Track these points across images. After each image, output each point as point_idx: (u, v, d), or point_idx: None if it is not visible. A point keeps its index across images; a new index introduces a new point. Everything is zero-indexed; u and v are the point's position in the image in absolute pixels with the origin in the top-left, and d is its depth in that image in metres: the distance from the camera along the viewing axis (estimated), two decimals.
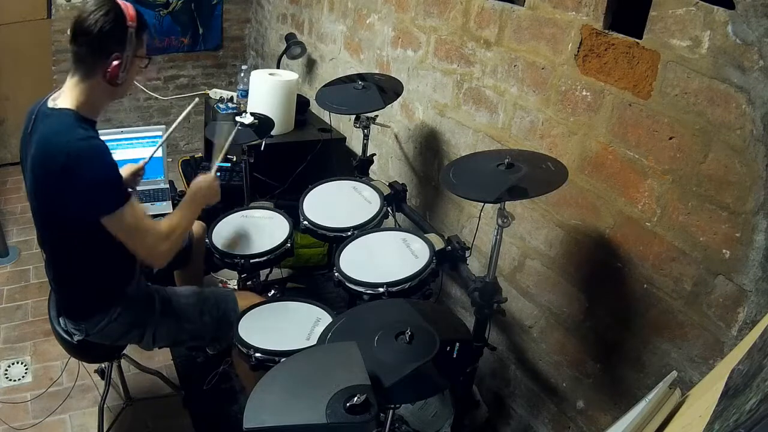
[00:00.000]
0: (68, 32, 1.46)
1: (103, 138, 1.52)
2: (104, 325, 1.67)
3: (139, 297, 1.74)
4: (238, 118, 2.26)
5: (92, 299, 1.67)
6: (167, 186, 2.75)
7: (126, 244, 1.54)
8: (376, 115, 2.31)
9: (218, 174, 1.90)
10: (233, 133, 2.10)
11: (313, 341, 1.62)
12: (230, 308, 1.82)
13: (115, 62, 1.45)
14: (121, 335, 1.72)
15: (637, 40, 1.51)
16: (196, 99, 2.21)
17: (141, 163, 1.95)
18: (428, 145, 2.47)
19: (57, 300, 1.77)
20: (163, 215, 2.18)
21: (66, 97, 1.49)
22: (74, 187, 1.42)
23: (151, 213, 2.41)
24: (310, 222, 2.01)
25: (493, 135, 2.07)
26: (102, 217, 1.46)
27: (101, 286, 1.66)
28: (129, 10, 1.47)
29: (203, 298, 1.83)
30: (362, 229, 1.96)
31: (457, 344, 1.36)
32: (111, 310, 1.67)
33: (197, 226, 2.14)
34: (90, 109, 1.51)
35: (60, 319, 1.74)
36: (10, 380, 2.31)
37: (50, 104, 1.50)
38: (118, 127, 3.22)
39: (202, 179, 1.80)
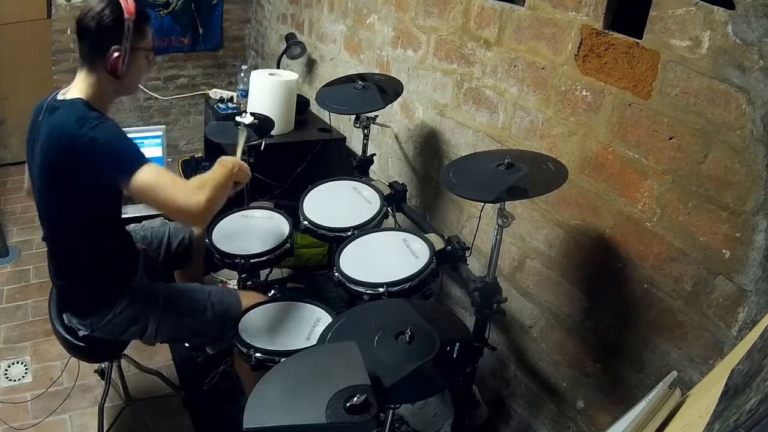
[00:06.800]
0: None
1: None
2: (110, 318, 1.69)
3: (143, 290, 1.75)
4: (238, 118, 2.25)
5: (98, 293, 1.69)
6: None
7: (158, 207, 1.55)
8: (376, 115, 2.31)
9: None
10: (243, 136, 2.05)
11: (313, 341, 1.62)
12: (233, 306, 1.82)
13: (115, 54, 1.51)
14: (125, 329, 1.74)
15: (637, 40, 1.51)
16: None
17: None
18: (428, 145, 2.47)
19: (61, 297, 1.78)
20: (159, 215, 2.18)
21: (75, 89, 1.55)
22: (93, 161, 1.46)
23: (147, 213, 2.43)
24: (310, 222, 2.01)
25: (493, 135, 2.07)
26: (126, 182, 1.46)
27: (106, 280, 1.68)
28: (128, 5, 1.52)
29: (206, 294, 1.83)
30: (362, 229, 1.96)
31: (457, 344, 1.36)
32: (116, 304, 1.69)
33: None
34: (98, 101, 1.57)
35: (64, 315, 1.76)
36: (10, 380, 2.31)
37: (59, 97, 1.56)
38: None
39: (230, 157, 1.72)
